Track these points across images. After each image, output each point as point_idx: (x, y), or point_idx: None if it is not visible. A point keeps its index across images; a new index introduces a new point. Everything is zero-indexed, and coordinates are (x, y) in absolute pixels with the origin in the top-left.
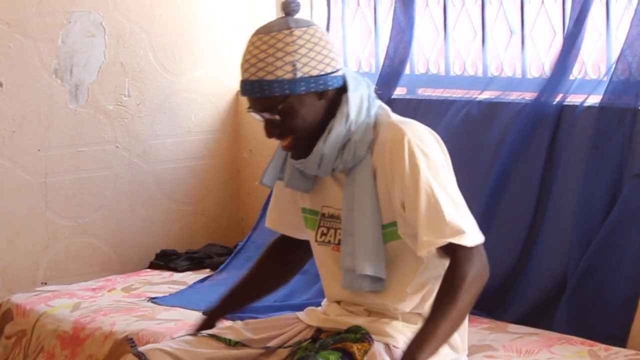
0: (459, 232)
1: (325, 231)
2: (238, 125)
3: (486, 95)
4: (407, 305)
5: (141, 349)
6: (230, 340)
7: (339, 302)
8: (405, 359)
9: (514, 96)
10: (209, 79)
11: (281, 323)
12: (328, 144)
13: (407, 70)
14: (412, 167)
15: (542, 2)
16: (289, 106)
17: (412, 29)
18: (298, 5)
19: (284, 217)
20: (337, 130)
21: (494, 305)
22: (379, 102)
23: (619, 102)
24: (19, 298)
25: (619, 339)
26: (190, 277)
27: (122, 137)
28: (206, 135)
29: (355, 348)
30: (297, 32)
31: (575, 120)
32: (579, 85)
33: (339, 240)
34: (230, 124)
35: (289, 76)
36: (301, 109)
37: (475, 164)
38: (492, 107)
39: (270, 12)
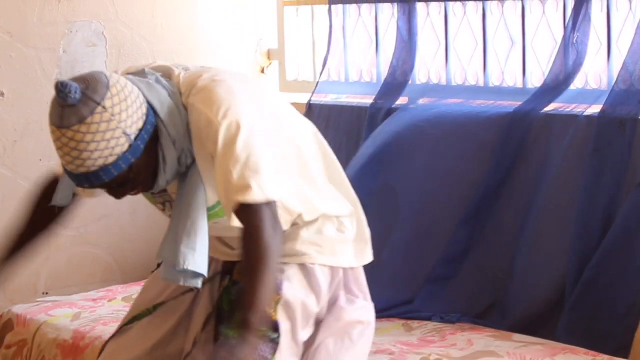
0: (246, 189)
1: (162, 208)
2: None
3: (487, 104)
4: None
5: None
6: (148, 310)
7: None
8: (243, 328)
9: (515, 105)
10: None
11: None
12: (168, 172)
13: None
14: (223, 144)
15: (544, 12)
16: (136, 169)
17: (414, 40)
18: (75, 87)
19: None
20: (170, 156)
21: (493, 312)
22: (164, 80)
23: (620, 110)
24: (19, 309)
25: (622, 349)
26: None
27: None
28: None
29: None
30: (107, 103)
31: (576, 127)
32: (580, 94)
33: None
34: None
35: (126, 147)
36: (146, 161)
37: (474, 171)
38: (492, 116)
39: (272, 20)
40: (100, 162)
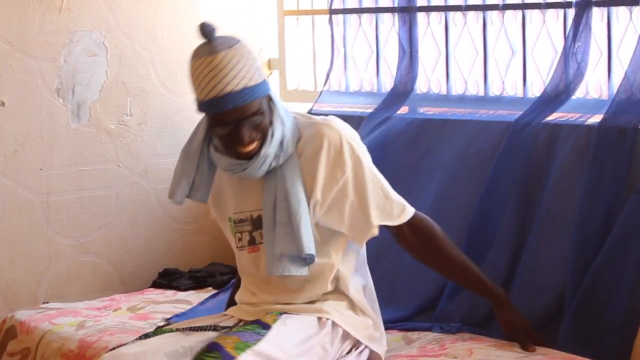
0: (403, 210)
1: (240, 237)
2: None
3: (488, 114)
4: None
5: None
6: (171, 329)
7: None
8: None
9: (515, 115)
10: None
11: (216, 320)
12: (272, 146)
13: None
14: (357, 165)
15: (544, 21)
16: (265, 107)
17: (415, 50)
18: (212, 25)
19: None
20: (278, 132)
21: (494, 322)
22: None
23: (621, 119)
24: (22, 315)
25: (622, 356)
26: (194, 296)
27: (124, 156)
28: None
29: (267, 317)
30: (244, 42)
31: (577, 135)
32: (581, 104)
33: (248, 242)
34: None
35: (260, 80)
36: (268, 108)
37: (475, 181)
38: (493, 126)
39: (272, 30)
40: (244, 82)
